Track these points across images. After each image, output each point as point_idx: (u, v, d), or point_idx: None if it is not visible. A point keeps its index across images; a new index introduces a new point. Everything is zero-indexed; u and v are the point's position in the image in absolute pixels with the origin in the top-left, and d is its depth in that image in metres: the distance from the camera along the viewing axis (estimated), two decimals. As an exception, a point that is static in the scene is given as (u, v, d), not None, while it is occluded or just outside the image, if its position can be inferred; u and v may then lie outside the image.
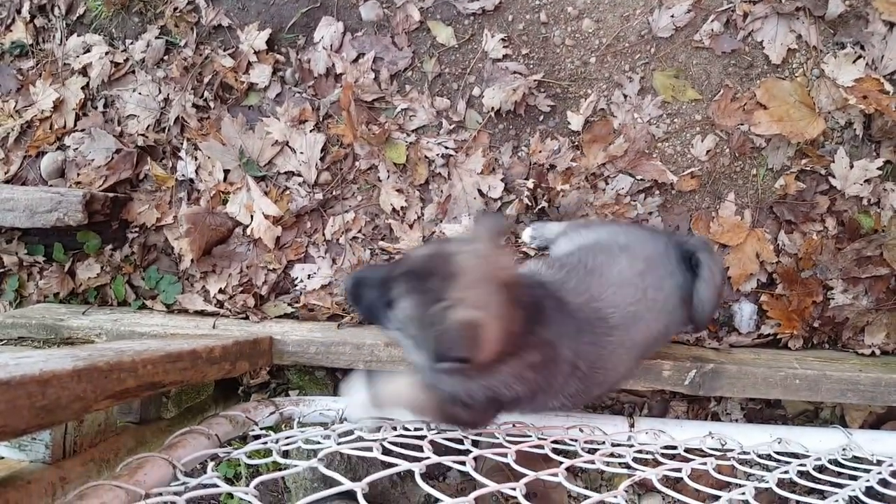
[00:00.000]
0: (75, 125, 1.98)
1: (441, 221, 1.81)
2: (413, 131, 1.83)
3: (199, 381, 1.43)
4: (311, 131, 1.85)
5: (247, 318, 1.80)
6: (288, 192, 1.86)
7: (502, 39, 1.79)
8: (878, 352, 1.63)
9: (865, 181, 1.68)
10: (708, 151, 1.73)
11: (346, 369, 1.62)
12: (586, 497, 0.92)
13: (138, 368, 1.17)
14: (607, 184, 1.76)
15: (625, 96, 1.76)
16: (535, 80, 1.77)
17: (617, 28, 1.77)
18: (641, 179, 1.73)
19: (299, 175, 1.87)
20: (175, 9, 1.93)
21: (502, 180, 1.76)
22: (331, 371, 1.84)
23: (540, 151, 1.78)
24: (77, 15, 2.03)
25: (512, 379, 1.10)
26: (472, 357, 0.98)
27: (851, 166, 1.68)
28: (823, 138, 1.71)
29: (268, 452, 1.11)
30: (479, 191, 1.78)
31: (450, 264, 1.01)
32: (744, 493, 0.97)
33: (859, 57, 1.70)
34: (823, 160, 1.69)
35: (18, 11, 2.07)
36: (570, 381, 1.17)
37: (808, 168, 1.70)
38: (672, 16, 1.75)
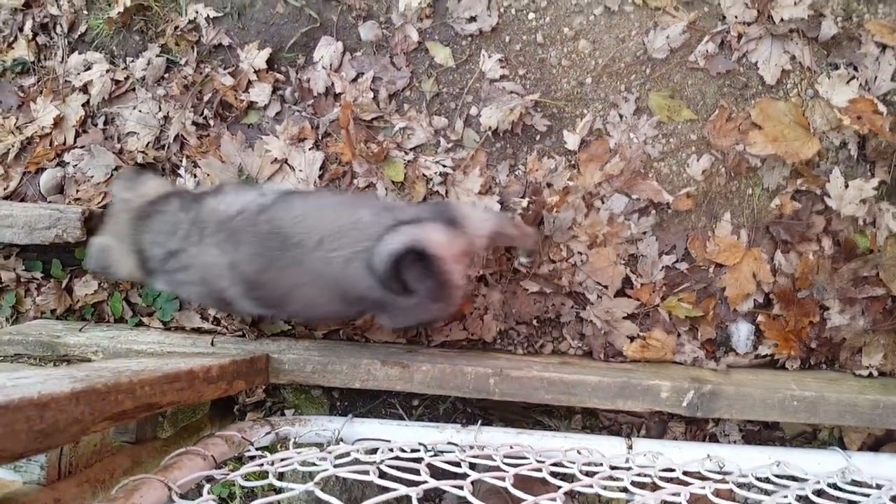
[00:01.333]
0: (75, 142, 1.99)
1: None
2: (411, 150, 1.84)
3: (195, 401, 1.42)
4: (310, 149, 1.86)
5: (243, 335, 1.79)
6: (286, 209, 1.87)
7: (499, 60, 1.81)
8: (875, 373, 1.63)
9: (861, 201, 1.69)
10: (704, 171, 1.74)
11: (343, 388, 1.62)
12: (583, 522, 0.91)
13: (136, 389, 1.17)
14: (603, 203, 1.77)
15: (620, 116, 1.78)
16: (531, 100, 1.79)
17: (613, 49, 1.79)
18: (637, 199, 1.74)
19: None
20: (176, 27, 1.95)
21: (499, 201, 1.77)
22: (327, 390, 1.83)
23: (537, 170, 1.79)
24: (79, 33, 2.05)
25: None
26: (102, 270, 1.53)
27: (846, 186, 1.70)
28: (818, 158, 1.72)
29: (264, 474, 1.11)
30: (476, 209, 1.79)
31: (108, 209, 1.55)
32: (742, 518, 0.96)
33: (853, 78, 1.72)
34: (819, 180, 1.71)
35: (21, 29, 2.09)
36: (233, 279, 1.41)
37: (804, 188, 1.71)
38: (667, 37, 1.77)
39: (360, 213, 1.38)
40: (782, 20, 1.73)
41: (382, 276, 1.29)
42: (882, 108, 1.68)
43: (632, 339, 1.69)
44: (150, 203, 1.51)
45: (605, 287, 1.72)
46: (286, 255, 1.36)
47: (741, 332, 1.68)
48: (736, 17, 1.76)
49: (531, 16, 1.82)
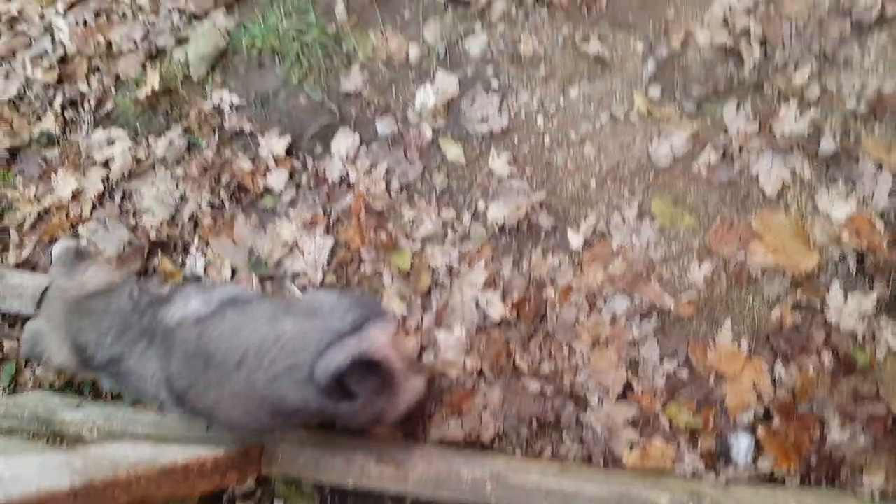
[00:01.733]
0: (91, 215, 2.05)
1: (438, 327, 1.82)
2: (419, 240, 1.88)
3: (189, 494, 1.41)
4: (320, 235, 1.91)
5: (240, 420, 1.78)
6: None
7: (508, 159, 1.88)
8: (877, 494, 1.60)
9: (860, 316, 1.70)
10: (705, 278, 1.77)
11: (335, 488, 1.59)
12: None
13: (132, 484, 1.18)
14: (605, 303, 1.79)
15: (623, 219, 1.83)
16: (537, 200, 1.84)
17: (617, 155, 1.86)
18: (639, 302, 1.76)
19: (305, 276, 1.90)
20: (199, 112, 2.04)
21: (502, 298, 1.79)
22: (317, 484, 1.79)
23: (541, 267, 1.82)
24: (105, 110, 2.15)
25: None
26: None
27: (846, 300, 1.71)
28: (818, 271, 1.75)
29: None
30: (476, 303, 1.81)
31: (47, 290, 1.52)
32: None
33: (851, 192, 1.77)
34: (819, 292, 1.73)
35: (51, 104, 2.19)
36: (168, 391, 1.40)
37: (804, 300, 1.73)
38: (670, 146, 1.84)
39: (283, 325, 1.33)
40: (783, 134, 1.80)
41: (324, 389, 1.27)
42: (879, 224, 1.73)
43: (632, 446, 1.67)
44: (92, 297, 1.44)
45: (607, 390, 1.72)
46: (207, 375, 1.34)
47: (741, 445, 1.66)
48: (738, 129, 1.83)
49: (540, 120, 1.90)
